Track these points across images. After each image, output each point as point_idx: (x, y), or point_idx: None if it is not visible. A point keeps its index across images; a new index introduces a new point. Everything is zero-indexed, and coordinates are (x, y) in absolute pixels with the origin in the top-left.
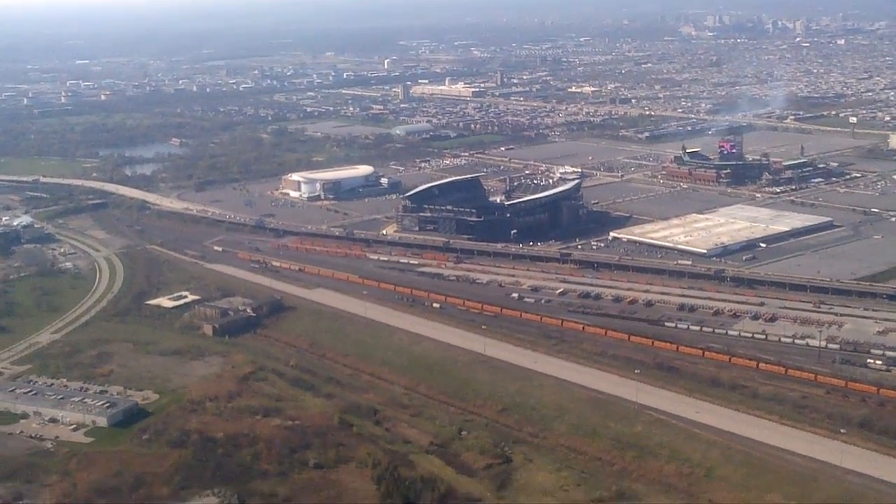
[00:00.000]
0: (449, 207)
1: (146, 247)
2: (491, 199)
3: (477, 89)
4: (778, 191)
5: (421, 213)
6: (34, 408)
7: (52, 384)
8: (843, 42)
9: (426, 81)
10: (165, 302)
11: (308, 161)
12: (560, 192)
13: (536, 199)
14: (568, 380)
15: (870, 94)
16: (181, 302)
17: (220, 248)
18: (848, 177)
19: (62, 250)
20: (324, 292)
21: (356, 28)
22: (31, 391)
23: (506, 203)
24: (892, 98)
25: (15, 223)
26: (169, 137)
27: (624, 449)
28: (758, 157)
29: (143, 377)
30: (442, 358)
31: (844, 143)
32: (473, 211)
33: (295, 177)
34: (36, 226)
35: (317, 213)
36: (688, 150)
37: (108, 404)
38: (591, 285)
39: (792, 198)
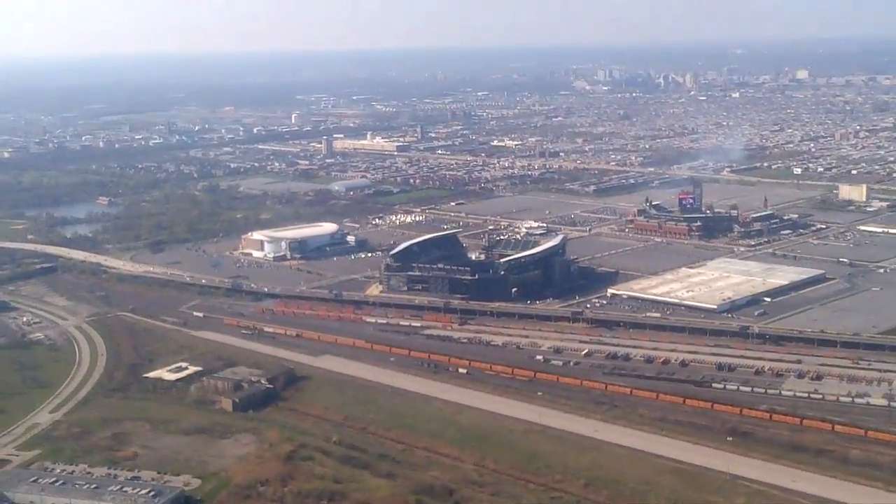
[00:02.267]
0: (440, 266)
1: (117, 314)
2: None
3: (400, 144)
4: (752, 244)
5: (410, 273)
6: (65, 500)
7: (72, 472)
8: (737, 95)
9: (341, 136)
10: (166, 374)
11: (256, 219)
12: (550, 247)
13: (529, 255)
14: (641, 449)
15: (790, 145)
16: (183, 374)
17: (200, 314)
18: (813, 228)
19: (25, 319)
20: (333, 359)
21: (247, 83)
22: (56, 481)
23: (498, 260)
24: (813, 150)
25: None
26: (94, 196)
27: None
28: (722, 210)
29: (174, 460)
30: (494, 428)
31: (791, 193)
32: (467, 269)
33: (256, 236)
34: None
35: (288, 274)
36: (652, 204)
37: (153, 493)
38: (615, 345)
39: (771, 250)
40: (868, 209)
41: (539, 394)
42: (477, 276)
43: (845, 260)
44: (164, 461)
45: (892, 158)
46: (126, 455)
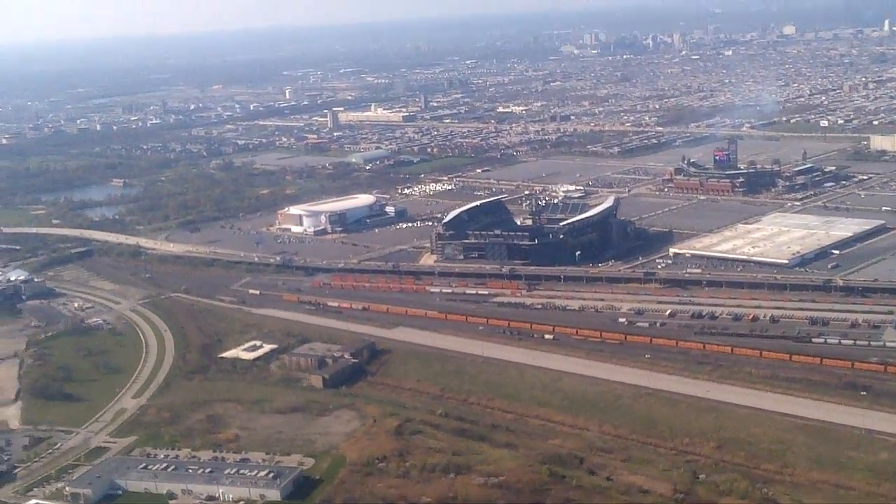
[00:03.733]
0: (498, 232)
1: (169, 295)
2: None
3: (406, 114)
4: (799, 197)
5: (465, 241)
6: (181, 485)
7: (176, 456)
8: (730, 53)
9: (341, 109)
10: (242, 354)
11: (283, 195)
12: (605, 209)
13: (587, 218)
14: (762, 408)
15: (801, 99)
16: (260, 352)
17: (256, 292)
18: (855, 179)
19: (76, 305)
20: (409, 331)
21: (229, 61)
22: (168, 466)
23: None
24: (826, 102)
25: (12, 278)
26: (107, 178)
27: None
28: (758, 165)
29: (277, 440)
30: (601, 394)
31: (819, 147)
32: (526, 234)
33: (294, 210)
34: (36, 280)
35: (333, 248)
36: (690, 161)
37: (272, 474)
38: (697, 305)
39: (821, 203)
40: None
41: (647, 356)
42: (536, 241)
43: None
44: (269, 442)
45: None
46: (227, 437)
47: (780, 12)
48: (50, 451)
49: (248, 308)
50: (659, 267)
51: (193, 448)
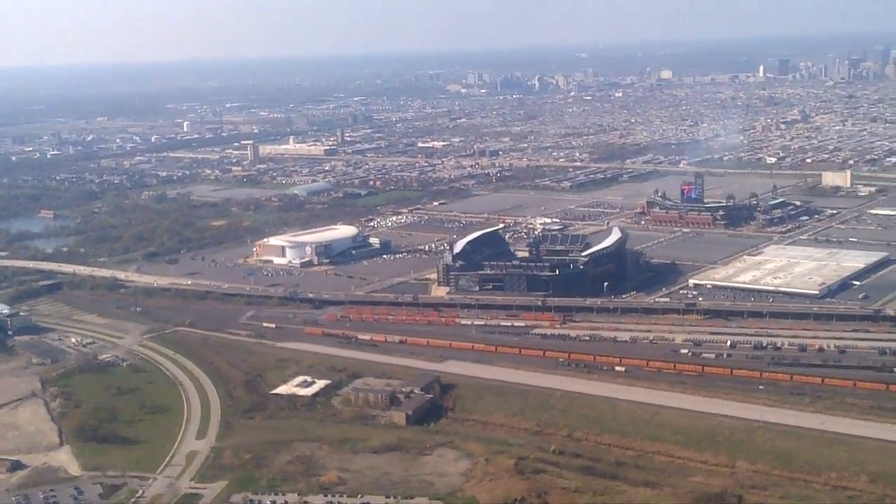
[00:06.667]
0: (516, 263)
1: (175, 329)
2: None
3: (327, 148)
4: (782, 230)
5: (481, 272)
6: None
7: (285, 502)
8: (620, 94)
9: (251, 142)
10: (297, 390)
11: (240, 227)
12: (617, 241)
13: (605, 249)
14: (891, 440)
15: (720, 139)
16: (315, 388)
17: (272, 325)
18: (826, 213)
19: (74, 340)
20: (463, 365)
21: (103, 94)
22: None
23: (582, 255)
24: (745, 141)
25: None
26: (33, 210)
27: None
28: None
29: (390, 482)
30: (712, 428)
31: (768, 183)
32: (546, 265)
33: (274, 241)
34: (21, 314)
35: (329, 280)
36: (663, 195)
37: None
38: (753, 335)
39: (808, 235)
40: (859, 194)
41: (761, 387)
42: (558, 272)
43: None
44: (380, 484)
45: (831, 147)
46: (330, 480)
47: (645, 58)
48: (133, 499)
49: (270, 342)
50: (697, 298)
51: (300, 493)
